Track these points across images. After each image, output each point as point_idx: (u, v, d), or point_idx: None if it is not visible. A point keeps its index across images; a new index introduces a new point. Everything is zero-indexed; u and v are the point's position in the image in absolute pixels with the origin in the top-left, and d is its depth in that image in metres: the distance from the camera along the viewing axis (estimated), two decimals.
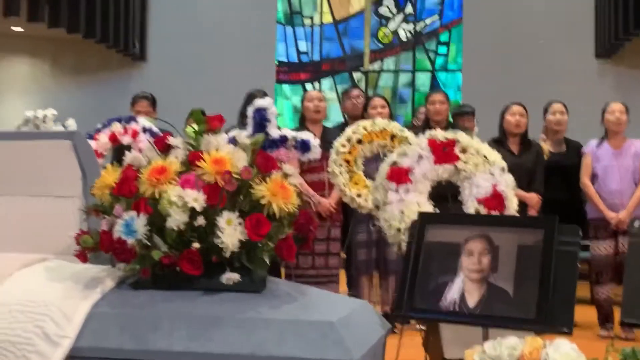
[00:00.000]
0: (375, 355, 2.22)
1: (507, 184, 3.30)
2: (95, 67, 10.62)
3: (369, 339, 2.13)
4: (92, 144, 3.95)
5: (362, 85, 10.97)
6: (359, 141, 4.00)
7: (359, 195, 3.95)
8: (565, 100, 5.60)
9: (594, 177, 5.07)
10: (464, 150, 3.36)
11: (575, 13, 10.13)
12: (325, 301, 2.26)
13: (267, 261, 2.18)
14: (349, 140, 4.01)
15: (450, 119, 5.98)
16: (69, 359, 1.96)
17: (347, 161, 4.01)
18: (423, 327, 3.69)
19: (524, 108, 5.20)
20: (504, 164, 3.38)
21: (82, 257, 2.25)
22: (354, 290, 4.95)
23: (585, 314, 5.27)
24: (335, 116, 10.87)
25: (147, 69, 10.72)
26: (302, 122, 5.04)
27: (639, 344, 3.03)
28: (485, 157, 3.35)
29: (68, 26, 9.31)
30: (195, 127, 2.29)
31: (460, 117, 5.90)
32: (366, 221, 4.70)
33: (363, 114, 5.14)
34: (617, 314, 4.31)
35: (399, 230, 3.27)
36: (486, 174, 3.30)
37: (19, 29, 9.77)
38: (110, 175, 2.22)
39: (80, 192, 2.53)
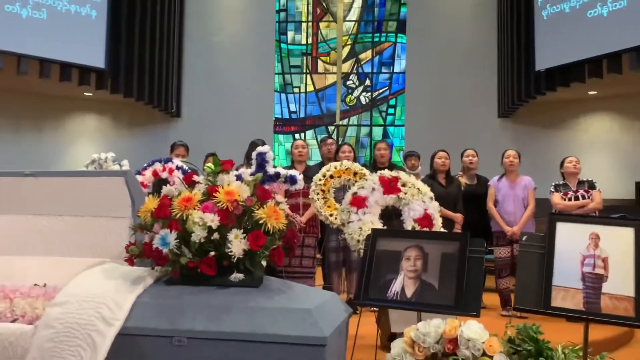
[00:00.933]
0: (341, 332, 2.22)
1: (434, 208, 3.32)
2: (143, 121, 10.57)
3: (336, 321, 2.12)
4: (140, 177, 3.92)
5: (335, 135, 11.03)
6: (331, 176, 4.00)
7: (331, 215, 3.95)
8: (476, 148, 5.65)
9: (496, 202, 5.11)
10: (404, 185, 3.38)
11: (484, 86, 10.28)
12: (305, 294, 2.26)
13: (264, 265, 2.18)
14: (324, 175, 4.00)
15: (400, 160, 6.00)
16: (119, 336, 1.95)
17: (323, 190, 4.01)
18: (376, 309, 3.69)
19: (447, 153, 5.25)
20: (432, 194, 3.40)
21: (130, 261, 2.24)
22: (327, 283, 4.91)
23: (491, 299, 5.28)
24: (315, 157, 10.90)
25: (181, 124, 10.69)
26: (292, 162, 5.04)
27: (530, 321, 3.04)
28: (419, 189, 3.37)
29: (124, 92, 9.29)
30: (212, 166, 2.30)
31: (409, 157, 5.97)
32: (336, 233, 4.69)
33: (335, 156, 5.15)
34: (514, 299, 4.33)
35: (358, 241, 3.27)
36: (419, 201, 3.32)
37: (89, 94, 9.74)
38: (151, 203, 2.22)
39: (130, 214, 2.52)
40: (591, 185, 4.93)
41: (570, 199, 4.87)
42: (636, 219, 2.37)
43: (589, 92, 9.30)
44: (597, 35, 7.84)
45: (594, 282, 2.25)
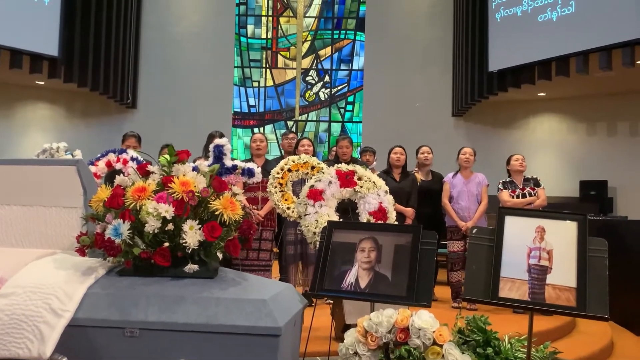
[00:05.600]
0: (296, 323, 2.21)
1: (388, 202, 3.36)
2: (98, 112, 10.27)
3: (291, 311, 2.11)
4: (93, 168, 3.81)
5: (294, 130, 11.00)
6: (289, 170, 3.99)
7: (288, 208, 3.93)
8: (431, 145, 5.75)
9: (450, 198, 5.22)
10: (360, 178, 3.41)
11: (439, 85, 10.47)
12: (260, 284, 2.23)
13: (220, 256, 2.15)
14: (282, 169, 3.99)
15: (357, 154, 6.05)
16: (70, 327, 1.89)
17: (280, 184, 3.99)
18: (331, 302, 3.71)
19: (404, 149, 5.32)
20: (386, 188, 3.43)
21: (81, 252, 2.17)
22: (284, 275, 4.91)
23: (443, 291, 5.40)
24: (274, 151, 10.86)
25: (137, 115, 10.43)
26: (250, 156, 4.99)
27: (478, 313, 3.11)
28: (374, 182, 3.40)
29: (78, 82, 8.99)
30: (168, 157, 2.25)
31: (365, 153, 6.05)
32: (293, 226, 4.69)
33: (294, 150, 5.13)
34: (463, 289, 4.42)
35: (314, 233, 3.28)
36: (374, 195, 3.35)
37: (41, 82, 9.38)
38: (103, 192, 2.16)
39: (81, 204, 2.44)
40: (536, 183, 5.10)
41: (517, 196, 5.03)
42: (580, 213, 2.46)
43: (539, 94, 9.60)
44: (547, 39, 8.10)
45: (539, 274, 2.33)
